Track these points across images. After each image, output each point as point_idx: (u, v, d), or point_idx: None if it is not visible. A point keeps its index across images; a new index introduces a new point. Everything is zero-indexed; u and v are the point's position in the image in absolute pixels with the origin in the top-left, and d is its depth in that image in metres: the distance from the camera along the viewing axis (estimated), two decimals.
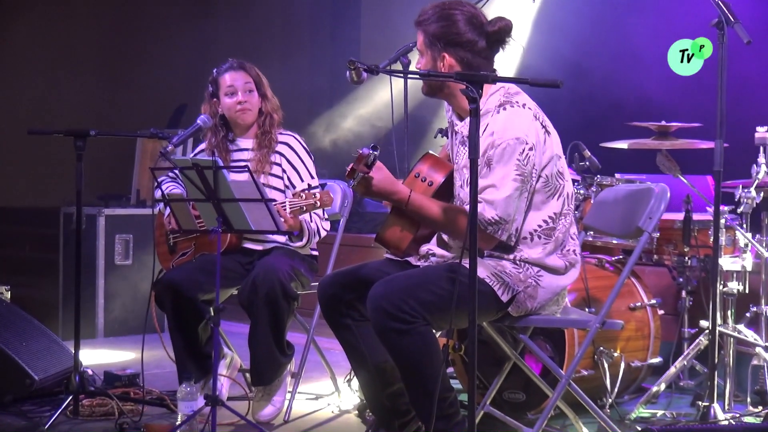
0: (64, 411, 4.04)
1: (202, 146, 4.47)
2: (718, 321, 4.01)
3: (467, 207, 3.07)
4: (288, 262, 4.14)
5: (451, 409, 3.28)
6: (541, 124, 3.31)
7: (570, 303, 3.89)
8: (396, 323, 3.16)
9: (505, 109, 3.28)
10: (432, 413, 3.13)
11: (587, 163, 4.75)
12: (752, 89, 5.61)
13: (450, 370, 4.34)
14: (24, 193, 7.97)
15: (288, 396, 4.26)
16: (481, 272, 3.23)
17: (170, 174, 4.40)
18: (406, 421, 3.54)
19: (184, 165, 3.68)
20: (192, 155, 4.44)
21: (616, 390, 4.17)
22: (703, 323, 4.30)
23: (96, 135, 4.15)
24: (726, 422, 3.84)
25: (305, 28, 9.11)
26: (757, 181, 4.20)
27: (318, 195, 3.93)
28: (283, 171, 4.33)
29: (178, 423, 3.72)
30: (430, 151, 3.54)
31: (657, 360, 4.44)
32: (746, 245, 4.26)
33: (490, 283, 3.26)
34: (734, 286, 4.26)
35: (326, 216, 4.34)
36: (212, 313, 3.62)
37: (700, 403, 3.98)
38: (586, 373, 4.12)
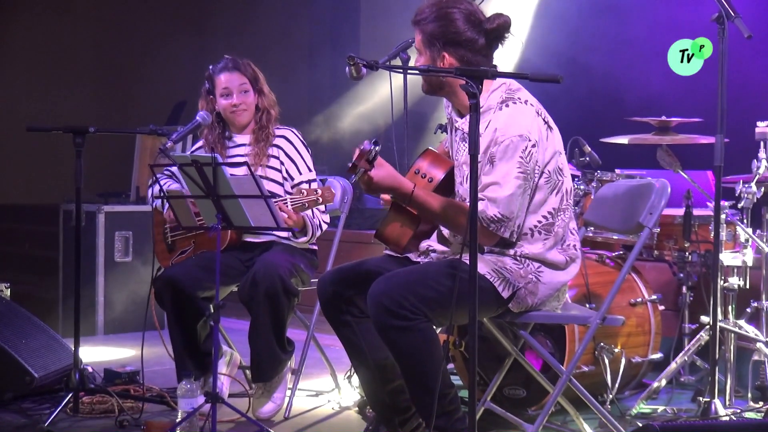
0: (64, 408, 4.04)
1: (199, 143, 4.47)
2: (719, 316, 4.00)
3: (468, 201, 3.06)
4: (288, 258, 4.13)
5: (451, 405, 3.27)
6: (544, 120, 3.31)
7: (570, 299, 3.89)
8: (396, 320, 3.15)
9: (507, 105, 3.28)
10: (432, 410, 3.12)
11: (587, 158, 4.75)
12: (753, 84, 5.61)
13: (450, 366, 4.34)
14: (23, 191, 7.97)
15: (288, 393, 4.26)
16: (482, 268, 3.22)
17: (165, 171, 4.40)
18: (406, 417, 3.53)
19: (183, 161, 3.67)
20: (189, 153, 4.44)
21: (616, 386, 4.17)
22: (704, 319, 4.30)
23: (95, 132, 4.14)
24: (727, 418, 3.83)
25: (305, 25, 9.10)
26: (757, 176, 4.20)
27: (320, 191, 3.94)
28: (281, 163, 4.33)
29: (178, 420, 3.72)
30: (430, 147, 3.53)
31: (657, 356, 4.44)
32: (747, 240, 4.26)
33: (491, 279, 3.25)
34: (735, 281, 4.25)
35: (325, 209, 4.34)
36: (212, 310, 3.61)
37: (700, 398, 3.98)
38: (586, 368, 4.12)
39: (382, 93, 7.40)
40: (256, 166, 4.27)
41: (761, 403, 4.22)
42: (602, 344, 4.15)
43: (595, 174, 4.61)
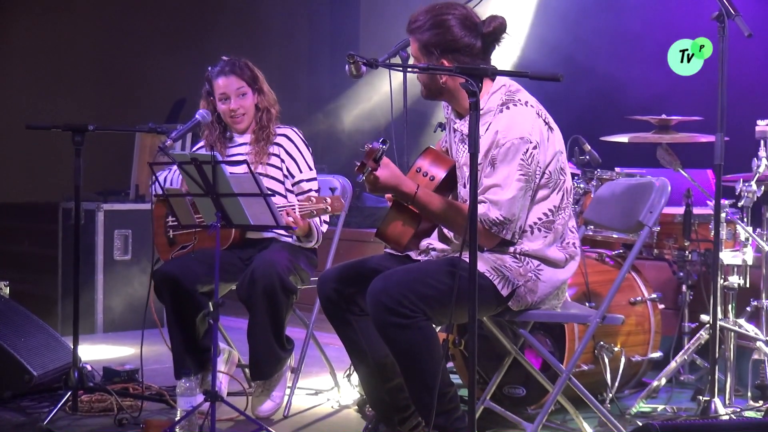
0: (63, 407, 4.03)
1: (201, 143, 4.48)
2: (719, 315, 4.00)
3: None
4: (287, 256, 4.13)
5: (451, 404, 3.27)
6: (544, 121, 3.30)
7: (570, 297, 3.88)
8: (396, 318, 3.15)
9: (508, 108, 3.27)
10: (432, 408, 3.12)
11: (587, 157, 4.75)
12: (753, 82, 5.60)
13: (450, 365, 4.33)
14: (22, 189, 7.96)
15: (287, 391, 4.26)
16: (481, 266, 3.22)
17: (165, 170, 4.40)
18: (406, 416, 3.53)
19: (182, 159, 3.66)
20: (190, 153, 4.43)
21: (616, 385, 4.16)
22: (704, 317, 4.29)
23: (94, 130, 4.14)
24: (727, 417, 3.83)
25: (304, 23, 9.10)
26: (757, 175, 4.19)
27: (329, 200, 3.92)
28: (282, 161, 4.33)
29: (177, 419, 3.71)
30: (432, 146, 3.53)
31: (657, 354, 4.43)
32: (747, 239, 4.26)
33: (490, 277, 3.25)
34: (735, 280, 4.25)
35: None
36: (211, 309, 3.60)
37: (700, 397, 3.97)
38: (586, 367, 4.11)
39: (381, 92, 7.40)
40: (257, 164, 4.27)
41: (761, 402, 4.21)
42: (602, 343, 4.15)
43: (595, 172, 4.61)
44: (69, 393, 4.08)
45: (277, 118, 4.42)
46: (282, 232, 4.22)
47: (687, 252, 4.51)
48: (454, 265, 3.20)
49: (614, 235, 4.51)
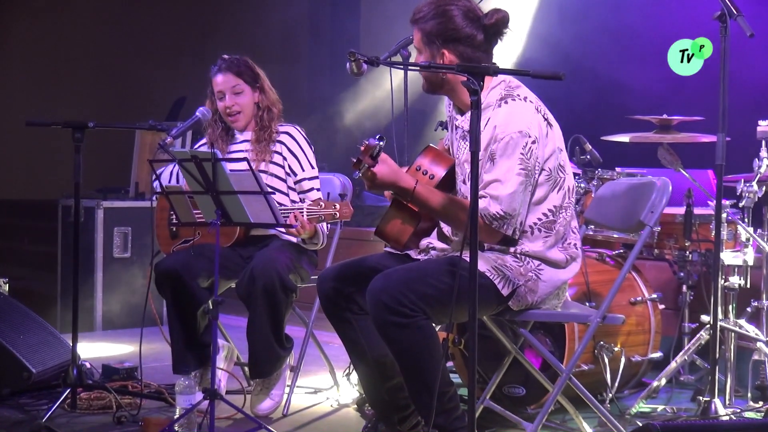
0: (61, 404, 4.03)
1: (203, 141, 4.48)
2: (719, 316, 3.99)
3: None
4: (287, 255, 4.12)
5: (450, 403, 3.26)
6: (543, 116, 3.30)
7: (570, 297, 3.88)
8: (396, 317, 3.14)
9: (506, 102, 3.26)
10: (432, 407, 3.11)
11: (588, 156, 4.74)
12: (754, 83, 5.60)
13: (450, 364, 4.33)
14: (22, 186, 7.96)
15: (287, 390, 4.25)
16: (482, 266, 3.21)
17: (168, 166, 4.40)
18: (405, 415, 3.52)
19: (182, 157, 3.66)
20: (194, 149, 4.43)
21: (616, 385, 4.16)
22: (704, 318, 4.29)
23: (94, 127, 4.13)
24: (727, 417, 3.82)
25: (305, 21, 9.10)
26: (759, 175, 4.19)
27: (338, 206, 3.90)
28: (284, 159, 4.32)
29: (176, 416, 3.71)
30: (432, 144, 3.52)
31: (657, 355, 4.43)
32: (748, 240, 4.25)
33: (491, 277, 3.24)
34: (735, 280, 4.24)
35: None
36: (211, 306, 3.60)
37: (700, 398, 3.97)
38: (586, 367, 4.11)
39: (382, 90, 7.40)
40: (258, 162, 4.26)
41: (761, 403, 4.21)
42: (602, 343, 4.14)
43: (596, 172, 4.60)
44: (68, 390, 4.07)
45: (279, 117, 4.41)
46: (283, 230, 4.21)
47: (687, 252, 4.50)
48: (454, 264, 3.19)
49: (615, 235, 4.50)
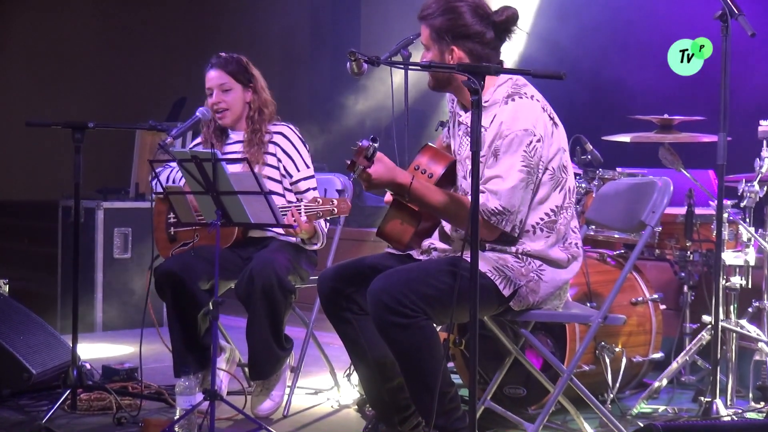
0: (61, 405, 4.02)
1: (198, 140, 4.46)
2: (721, 316, 3.98)
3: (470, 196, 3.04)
4: (286, 255, 4.11)
5: (451, 404, 3.25)
6: (549, 116, 3.29)
7: (571, 297, 3.87)
8: (396, 317, 3.13)
9: (513, 100, 3.26)
10: (432, 408, 3.10)
11: (589, 156, 4.74)
12: (756, 82, 5.59)
13: (450, 364, 4.32)
14: (22, 186, 7.96)
15: (287, 390, 4.24)
16: (483, 266, 3.20)
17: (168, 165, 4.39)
18: (406, 416, 3.52)
19: (182, 157, 3.65)
20: (188, 149, 4.42)
21: (617, 385, 4.15)
22: (705, 318, 4.28)
23: (94, 127, 4.13)
24: (728, 418, 3.82)
25: (306, 21, 9.09)
26: (760, 175, 4.19)
27: (335, 202, 3.89)
28: (279, 161, 4.30)
29: (176, 418, 3.70)
30: (430, 143, 3.52)
31: (658, 355, 4.42)
32: (749, 240, 4.25)
33: (492, 277, 3.24)
34: (737, 280, 4.24)
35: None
36: (211, 307, 3.59)
37: (702, 398, 3.96)
38: (587, 368, 4.10)
39: (382, 90, 7.38)
40: (253, 164, 4.24)
41: (762, 404, 4.21)
42: (603, 343, 4.13)
43: (597, 172, 4.60)
44: (68, 391, 4.07)
45: (271, 118, 4.38)
46: (282, 230, 4.21)
47: (689, 252, 4.50)
48: (455, 264, 3.19)
49: (616, 235, 4.50)
